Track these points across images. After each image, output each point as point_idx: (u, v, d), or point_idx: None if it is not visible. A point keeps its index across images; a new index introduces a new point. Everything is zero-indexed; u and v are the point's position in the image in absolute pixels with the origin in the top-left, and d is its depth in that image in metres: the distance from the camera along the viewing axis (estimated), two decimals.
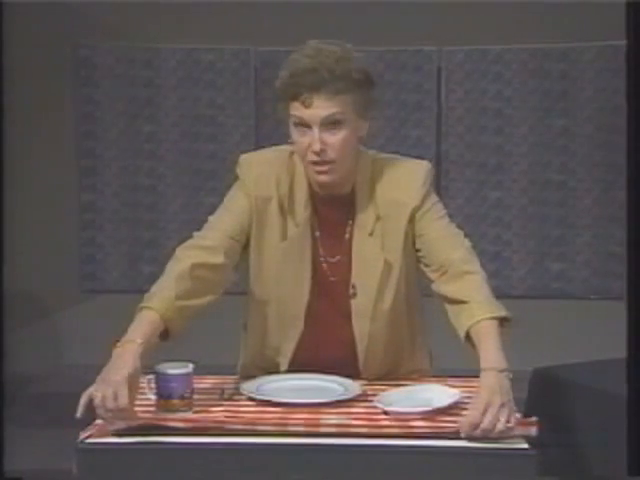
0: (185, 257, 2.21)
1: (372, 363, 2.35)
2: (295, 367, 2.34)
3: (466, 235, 2.31)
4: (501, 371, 2.00)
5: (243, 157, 2.35)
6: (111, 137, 5.94)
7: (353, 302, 2.30)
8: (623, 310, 2.77)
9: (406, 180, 2.28)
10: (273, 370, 2.34)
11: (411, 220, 2.26)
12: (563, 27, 5.68)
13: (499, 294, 2.20)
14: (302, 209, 2.27)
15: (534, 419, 1.93)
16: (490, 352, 2.05)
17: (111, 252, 6.00)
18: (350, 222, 2.29)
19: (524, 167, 5.87)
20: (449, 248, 2.25)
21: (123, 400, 1.90)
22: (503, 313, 2.13)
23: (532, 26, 5.71)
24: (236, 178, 2.36)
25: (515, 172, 5.87)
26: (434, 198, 2.31)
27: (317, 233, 2.30)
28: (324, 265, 2.31)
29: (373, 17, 5.60)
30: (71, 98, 5.89)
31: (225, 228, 2.27)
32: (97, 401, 1.91)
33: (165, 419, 1.96)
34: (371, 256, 2.27)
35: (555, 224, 5.89)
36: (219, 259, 2.22)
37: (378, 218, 2.26)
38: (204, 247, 2.23)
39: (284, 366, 2.36)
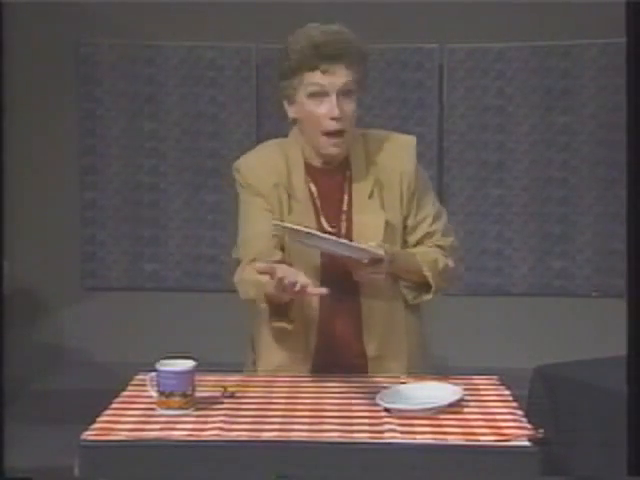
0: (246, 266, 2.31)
1: (373, 328, 2.35)
2: (322, 339, 2.34)
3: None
4: (386, 251, 2.22)
5: (238, 164, 2.41)
6: (112, 135, 5.95)
7: None
8: (624, 307, 2.77)
9: (399, 149, 2.39)
10: (300, 342, 2.34)
11: (402, 184, 2.35)
12: (565, 25, 5.68)
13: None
14: (302, 185, 2.34)
15: (539, 432, 1.92)
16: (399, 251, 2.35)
17: (112, 250, 6.01)
18: (347, 189, 2.36)
19: (525, 165, 5.87)
20: (428, 220, 2.38)
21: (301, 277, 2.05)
22: (430, 279, 2.33)
23: (533, 24, 5.71)
24: (234, 184, 2.40)
25: (516, 170, 5.87)
26: (422, 169, 2.43)
27: (319, 204, 2.36)
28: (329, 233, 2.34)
29: (374, 15, 5.60)
30: (72, 96, 5.89)
31: (257, 238, 2.32)
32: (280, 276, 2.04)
33: (169, 428, 1.95)
34: (372, 215, 2.34)
35: (556, 222, 5.89)
36: (277, 256, 2.29)
37: (376, 182, 2.35)
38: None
39: (313, 335, 2.34)
